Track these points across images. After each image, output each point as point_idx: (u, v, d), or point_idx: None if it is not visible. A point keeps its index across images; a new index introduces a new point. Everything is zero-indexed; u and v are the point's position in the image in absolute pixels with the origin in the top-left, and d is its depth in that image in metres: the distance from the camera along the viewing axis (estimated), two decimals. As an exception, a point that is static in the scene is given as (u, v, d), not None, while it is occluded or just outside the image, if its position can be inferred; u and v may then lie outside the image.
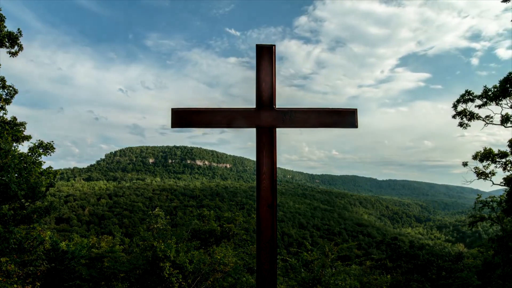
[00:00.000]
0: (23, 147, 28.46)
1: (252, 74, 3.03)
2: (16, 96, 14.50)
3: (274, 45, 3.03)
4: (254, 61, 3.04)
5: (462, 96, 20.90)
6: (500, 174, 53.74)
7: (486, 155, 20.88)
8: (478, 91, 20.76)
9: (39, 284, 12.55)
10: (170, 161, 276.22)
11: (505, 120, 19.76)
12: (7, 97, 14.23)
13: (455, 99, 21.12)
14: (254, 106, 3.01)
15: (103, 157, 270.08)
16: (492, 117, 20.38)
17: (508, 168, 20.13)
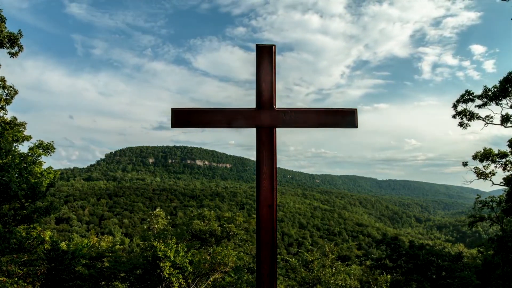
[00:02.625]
0: (23, 147, 28.49)
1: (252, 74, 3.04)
2: None
3: (274, 45, 3.03)
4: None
5: (462, 96, 20.90)
6: (500, 174, 53.72)
7: (486, 155, 20.89)
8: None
9: (39, 284, 12.55)
10: (170, 161, 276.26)
11: (505, 120, 19.76)
12: (7, 97, 14.23)
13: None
14: (254, 106, 3.01)
15: (103, 157, 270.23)
16: (492, 117, 20.39)
17: (508, 168, 20.14)
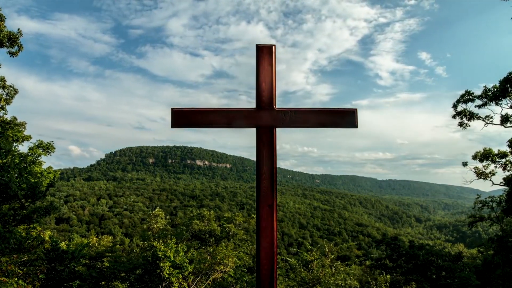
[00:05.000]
0: (23, 147, 28.48)
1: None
2: None
3: (274, 45, 3.03)
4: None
5: (462, 96, 20.90)
6: (500, 174, 53.76)
7: (486, 155, 20.89)
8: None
9: (39, 284, 12.54)
10: (170, 161, 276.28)
11: (505, 120, 19.76)
12: (7, 97, 14.22)
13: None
14: (254, 106, 3.01)
15: (103, 157, 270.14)
16: (492, 117, 20.39)
17: (508, 168, 20.14)
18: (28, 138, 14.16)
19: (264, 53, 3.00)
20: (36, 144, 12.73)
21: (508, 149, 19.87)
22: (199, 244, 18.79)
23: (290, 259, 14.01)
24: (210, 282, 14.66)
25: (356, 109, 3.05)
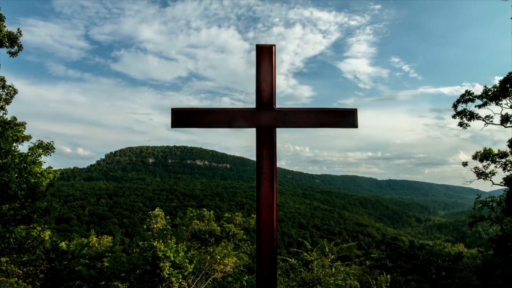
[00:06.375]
0: (23, 147, 28.47)
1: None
2: None
3: (274, 45, 3.03)
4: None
5: (462, 96, 20.91)
6: (500, 174, 53.73)
7: (486, 155, 20.88)
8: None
9: (39, 284, 12.55)
10: (170, 161, 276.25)
11: (505, 120, 19.76)
12: (7, 97, 14.22)
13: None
14: (254, 106, 3.01)
15: (103, 157, 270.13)
16: (492, 117, 20.39)
17: (508, 168, 20.13)
18: (28, 138, 14.16)
19: (264, 53, 3.00)
20: (36, 144, 12.73)
21: (508, 149, 19.87)
22: (199, 244, 18.80)
23: (290, 259, 14.00)
24: (210, 282, 14.66)
25: (356, 109, 3.05)
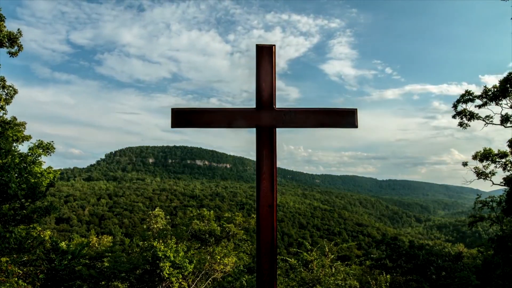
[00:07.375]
0: (23, 147, 28.45)
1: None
2: None
3: (274, 45, 3.03)
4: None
5: (462, 96, 20.92)
6: (500, 174, 53.71)
7: (486, 155, 20.89)
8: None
9: (39, 284, 12.54)
10: (170, 161, 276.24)
11: (505, 120, 19.77)
12: (7, 97, 14.22)
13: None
14: (254, 106, 3.01)
15: (103, 157, 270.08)
16: (492, 117, 20.40)
17: (508, 168, 20.14)
18: (28, 138, 14.17)
19: (264, 53, 3.00)
20: (36, 144, 12.73)
21: (508, 149, 19.87)
22: (199, 244, 18.78)
23: (290, 259, 14.00)
24: (210, 282, 14.67)
25: (356, 109, 3.05)
